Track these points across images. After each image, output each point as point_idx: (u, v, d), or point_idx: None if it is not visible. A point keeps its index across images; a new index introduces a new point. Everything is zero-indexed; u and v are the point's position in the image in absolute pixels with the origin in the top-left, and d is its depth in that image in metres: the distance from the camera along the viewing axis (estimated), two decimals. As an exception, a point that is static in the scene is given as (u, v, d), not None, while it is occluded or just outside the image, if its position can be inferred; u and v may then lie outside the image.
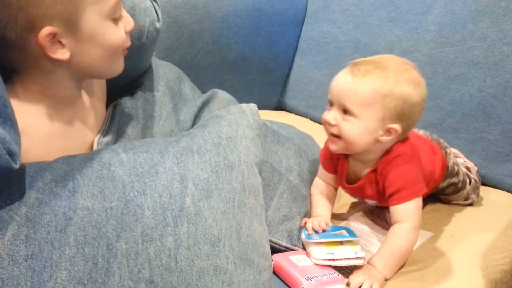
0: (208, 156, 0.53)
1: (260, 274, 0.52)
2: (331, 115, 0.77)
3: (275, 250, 0.76)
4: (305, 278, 0.67)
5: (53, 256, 0.43)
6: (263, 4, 1.34)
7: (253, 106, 0.65)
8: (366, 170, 0.80)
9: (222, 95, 0.92)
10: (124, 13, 0.61)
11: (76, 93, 0.61)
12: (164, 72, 0.88)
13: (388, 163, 0.78)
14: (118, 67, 0.61)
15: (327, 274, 0.70)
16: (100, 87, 0.72)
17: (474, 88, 1.06)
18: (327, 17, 1.37)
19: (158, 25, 0.79)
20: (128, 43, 0.61)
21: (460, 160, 1.02)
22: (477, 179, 0.98)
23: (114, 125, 0.70)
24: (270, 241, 0.75)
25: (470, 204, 0.97)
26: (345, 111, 0.75)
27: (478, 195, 0.99)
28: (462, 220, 0.92)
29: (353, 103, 0.74)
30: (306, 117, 1.42)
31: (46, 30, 0.51)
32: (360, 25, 1.29)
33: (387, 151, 0.79)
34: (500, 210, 0.95)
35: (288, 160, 0.87)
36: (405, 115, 0.75)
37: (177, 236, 0.46)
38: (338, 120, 0.76)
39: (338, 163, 0.85)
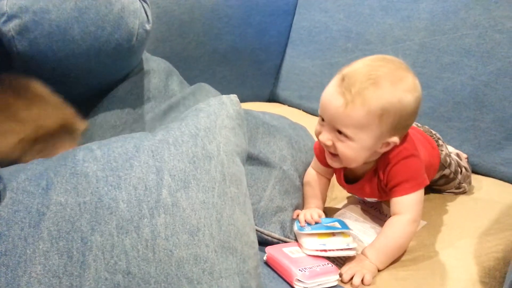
0: (185, 147, 0.53)
1: (245, 262, 0.52)
2: (325, 136, 0.73)
3: (268, 242, 0.76)
4: (299, 270, 0.66)
5: (27, 251, 0.43)
6: (254, -6, 1.33)
7: (233, 96, 0.64)
8: (366, 170, 0.79)
9: (208, 88, 0.91)
10: None
11: None
12: (152, 67, 0.87)
13: (390, 160, 0.75)
14: None
15: (321, 265, 0.69)
16: None
17: (466, 76, 1.05)
18: (318, 6, 1.35)
19: (147, 26, 0.78)
20: None
21: (451, 148, 1.01)
22: (467, 167, 0.97)
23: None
24: (263, 233, 0.75)
25: (463, 192, 0.96)
26: (340, 131, 0.71)
27: (469, 183, 0.98)
28: (455, 209, 0.91)
29: (347, 126, 0.70)
30: (299, 109, 1.42)
31: None
32: (352, 14, 1.28)
33: (388, 152, 0.76)
34: (493, 198, 0.95)
35: (281, 150, 0.86)
36: (401, 125, 0.72)
37: (154, 227, 0.46)
38: (333, 141, 0.73)
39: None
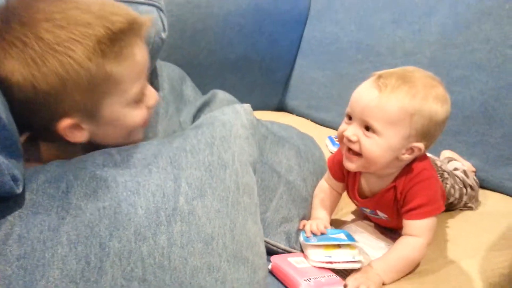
0: (202, 156, 0.53)
1: (255, 272, 0.52)
2: (352, 131, 0.72)
3: (273, 252, 0.76)
4: (304, 280, 0.66)
5: (46, 255, 0.43)
6: (266, 4, 1.34)
7: (247, 106, 0.65)
8: (383, 186, 0.77)
9: (222, 95, 0.92)
10: (148, 88, 0.61)
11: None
12: (167, 72, 0.88)
13: (410, 180, 0.74)
14: (136, 138, 0.61)
15: (326, 276, 0.69)
16: None
17: (476, 90, 1.05)
18: (329, 17, 1.36)
19: (163, 35, 0.79)
20: (148, 116, 0.61)
21: (458, 164, 1.01)
22: (474, 184, 0.97)
23: None
24: (269, 243, 0.75)
25: (470, 209, 0.96)
26: (367, 127, 0.70)
27: (476, 200, 0.98)
28: (461, 224, 0.91)
29: (378, 120, 0.69)
30: (307, 118, 1.42)
31: (66, 122, 0.52)
32: (363, 26, 1.29)
33: (408, 169, 0.75)
34: (499, 214, 0.95)
35: (288, 160, 0.86)
36: (429, 133, 0.72)
37: (170, 235, 0.47)
38: (359, 137, 0.71)
39: (348, 175, 0.82)
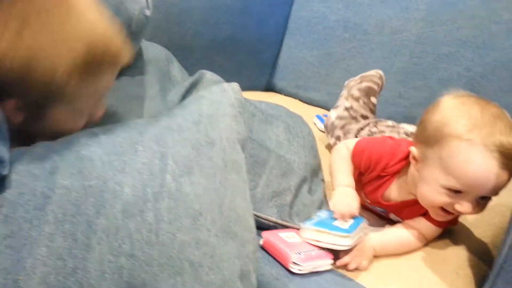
0: (189, 134, 0.53)
1: (244, 246, 0.53)
2: (470, 208, 0.69)
3: (264, 226, 0.77)
4: (295, 253, 0.67)
5: (32, 233, 0.43)
6: (253, -17, 1.32)
7: (235, 85, 0.65)
8: (412, 196, 0.76)
9: (210, 76, 0.92)
10: (100, 103, 0.60)
11: None
12: (153, 53, 0.87)
13: None
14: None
15: (316, 250, 0.70)
16: None
17: (463, 67, 1.06)
18: (317, -4, 1.35)
19: (147, 12, 0.78)
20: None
21: None
22: None
23: None
24: (260, 217, 0.76)
25: None
26: (484, 197, 0.70)
27: None
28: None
29: (493, 192, 0.69)
30: (296, 98, 1.42)
31: (12, 104, 0.52)
32: (350, 4, 1.28)
33: None
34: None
35: (277, 136, 0.86)
36: None
37: (157, 211, 0.47)
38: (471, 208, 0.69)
39: (376, 177, 0.80)
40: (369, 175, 0.82)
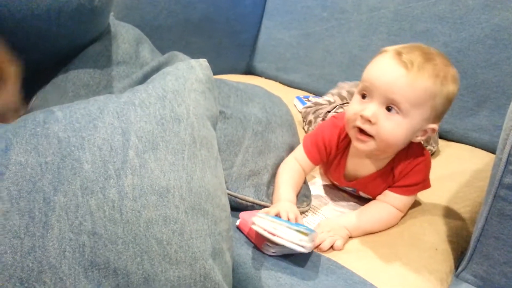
0: (152, 109, 0.51)
1: (216, 224, 0.51)
2: (371, 110, 0.67)
3: (242, 206, 0.76)
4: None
5: (-15, 211, 0.41)
6: (228, -39, 1.29)
7: (203, 61, 0.62)
8: (378, 167, 0.75)
9: (182, 57, 0.89)
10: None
11: None
12: (121, 33, 0.84)
13: (410, 162, 0.73)
14: None
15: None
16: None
17: (440, 43, 1.05)
18: (294, -26, 1.33)
19: None
20: None
21: None
22: None
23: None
24: (237, 197, 0.75)
25: (431, 154, 0.98)
26: (389, 107, 0.66)
27: (436, 143, 0.99)
28: (426, 174, 0.93)
29: (405, 99, 0.65)
30: (276, 81, 1.41)
31: None
32: (328, -18, 1.26)
33: (405, 149, 0.73)
34: (464, 163, 0.97)
35: (255, 115, 0.85)
36: (443, 114, 0.70)
37: (120, 188, 0.45)
38: (378, 118, 0.67)
39: (334, 158, 0.78)
40: (321, 161, 0.81)
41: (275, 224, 0.63)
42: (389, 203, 0.75)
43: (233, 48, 1.40)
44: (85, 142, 0.46)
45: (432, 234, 0.74)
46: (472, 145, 1.05)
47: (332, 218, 0.76)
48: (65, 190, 0.43)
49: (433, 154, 0.99)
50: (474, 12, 1.00)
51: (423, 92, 0.65)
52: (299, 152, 0.81)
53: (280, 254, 0.65)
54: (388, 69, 0.67)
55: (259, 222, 0.64)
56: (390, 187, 0.76)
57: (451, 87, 0.67)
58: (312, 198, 0.83)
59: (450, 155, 1.02)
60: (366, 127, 0.68)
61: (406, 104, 0.65)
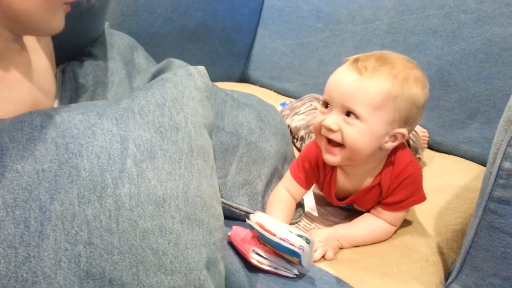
0: (151, 117, 0.51)
1: (211, 234, 0.51)
2: (331, 119, 0.67)
3: (235, 215, 0.76)
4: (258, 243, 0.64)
5: (-21, 220, 0.40)
6: (225, -30, 1.30)
7: (201, 68, 0.62)
8: (366, 183, 0.74)
9: (178, 63, 0.89)
10: None
11: (16, 47, 0.57)
12: (115, 41, 0.84)
13: (397, 177, 0.72)
14: (56, 23, 0.56)
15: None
16: (47, 49, 0.67)
17: (433, 56, 1.07)
18: (289, -15, 1.35)
19: None
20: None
21: None
22: (415, 134, 0.96)
23: (67, 92, 0.67)
24: (231, 206, 0.75)
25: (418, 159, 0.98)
26: (348, 113, 0.67)
27: (422, 149, 0.99)
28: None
29: (360, 104, 0.65)
30: (270, 89, 1.42)
31: None
32: (323, -7, 1.28)
33: (391, 163, 0.72)
34: (455, 175, 0.98)
35: (249, 123, 0.85)
36: (411, 118, 0.68)
37: (117, 197, 0.45)
38: (340, 125, 0.67)
39: (325, 177, 0.77)
40: (310, 184, 0.80)
41: (274, 224, 0.61)
42: (381, 218, 0.75)
43: (228, 56, 1.41)
44: (83, 149, 0.45)
45: (423, 245, 0.74)
46: (462, 157, 1.06)
47: (323, 229, 0.76)
48: (61, 199, 0.42)
49: (420, 160, 1.00)
50: (466, 26, 1.02)
51: (379, 95, 0.65)
52: (288, 180, 0.79)
53: (266, 267, 0.63)
54: (342, 76, 0.68)
55: (257, 218, 0.62)
56: (380, 203, 0.76)
57: (414, 89, 0.67)
58: (305, 208, 0.84)
59: (441, 166, 1.03)
60: (331, 135, 0.68)
61: (362, 108, 0.65)
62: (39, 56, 0.63)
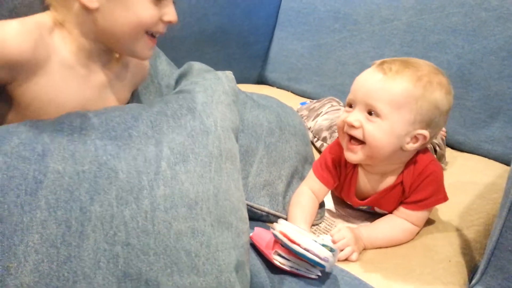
0: (184, 121, 0.52)
1: (239, 236, 0.52)
2: (354, 116, 0.69)
3: (257, 216, 0.77)
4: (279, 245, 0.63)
5: (24, 219, 0.42)
6: (241, -26, 1.31)
7: (228, 73, 0.64)
8: (388, 183, 0.75)
9: (198, 66, 0.91)
10: (171, 6, 0.61)
11: (100, 55, 0.60)
12: None
13: (419, 175, 0.72)
14: (139, 49, 0.59)
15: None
16: (134, 81, 0.70)
17: (453, 55, 1.06)
18: (306, -14, 1.35)
19: None
20: (160, 30, 0.60)
21: None
22: (440, 142, 0.97)
23: None
24: (253, 207, 0.76)
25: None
26: (370, 112, 0.68)
27: (445, 158, 1.00)
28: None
29: (382, 102, 0.66)
30: (288, 90, 1.42)
31: None
32: (340, -6, 1.28)
33: (413, 163, 0.73)
34: (477, 175, 0.97)
35: (269, 124, 0.86)
36: (434, 121, 0.69)
37: (153, 199, 0.46)
38: (361, 122, 0.69)
39: (345, 177, 0.78)
40: (334, 183, 0.80)
41: (299, 233, 0.61)
42: (404, 218, 0.75)
43: (246, 58, 1.41)
44: (120, 151, 0.46)
45: (446, 246, 0.74)
46: (485, 157, 1.05)
47: (350, 226, 0.76)
48: (101, 200, 0.44)
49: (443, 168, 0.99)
50: (487, 24, 1.01)
51: (401, 94, 0.67)
52: (311, 179, 0.80)
53: (288, 268, 0.63)
54: (368, 77, 0.70)
55: (281, 227, 0.63)
56: (402, 203, 0.76)
57: (437, 93, 0.68)
58: (326, 210, 0.84)
59: (463, 166, 1.02)
60: (352, 132, 0.70)
61: (383, 106, 0.67)
62: (121, 84, 0.65)
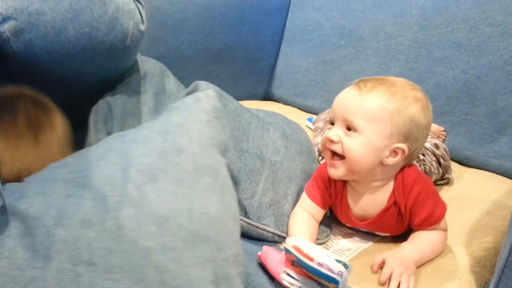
0: (154, 144, 0.54)
1: (220, 249, 0.51)
2: (333, 131, 0.72)
3: (263, 236, 0.77)
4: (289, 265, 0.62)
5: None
6: (247, -8, 1.33)
7: (210, 91, 0.65)
8: (378, 203, 0.75)
9: (205, 86, 0.92)
10: None
11: None
12: (148, 68, 0.88)
13: (409, 193, 0.72)
14: None
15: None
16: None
17: (458, 70, 1.04)
18: (311, 4, 1.36)
19: (142, 27, 0.79)
20: None
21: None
22: (444, 153, 0.95)
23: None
24: (258, 227, 0.76)
25: (447, 183, 0.97)
26: (349, 128, 0.71)
27: (451, 169, 0.98)
28: (447, 201, 0.90)
29: (358, 117, 0.69)
30: (294, 106, 1.42)
31: None
32: (345, 11, 1.28)
33: (401, 180, 0.73)
34: (485, 191, 0.94)
35: (274, 143, 0.86)
36: (412, 135, 0.70)
37: (119, 220, 0.47)
38: (340, 137, 0.71)
39: (335, 196, 0.78)
40: (328, 204, 0.80)
41: (313, 248, 0.60)
42: (431, 229, 0.74)
43: (252, 75, 1.43)
44: (88, 182, 0.49)
45: (455, 264, 0.72)
46: (493, 172, 1.02)
47: (396, 251, 0.72)
48: (65, 224, 0.46)
49: (449, 181, 0.97)
50: (492, 39, 0.99)
51: (374, 108, 0.69)
52: (304, 200, 0.80)
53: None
54: (345, 94, 0.74)
55: (294, 242, 0.62)
56: (414, 228, 0.75)
57: (413, 108, 0.70)
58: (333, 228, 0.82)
59: (471, 182, 0.99)
60: (332, 147, 0.72)
61: (359, 121, 0.69)
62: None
